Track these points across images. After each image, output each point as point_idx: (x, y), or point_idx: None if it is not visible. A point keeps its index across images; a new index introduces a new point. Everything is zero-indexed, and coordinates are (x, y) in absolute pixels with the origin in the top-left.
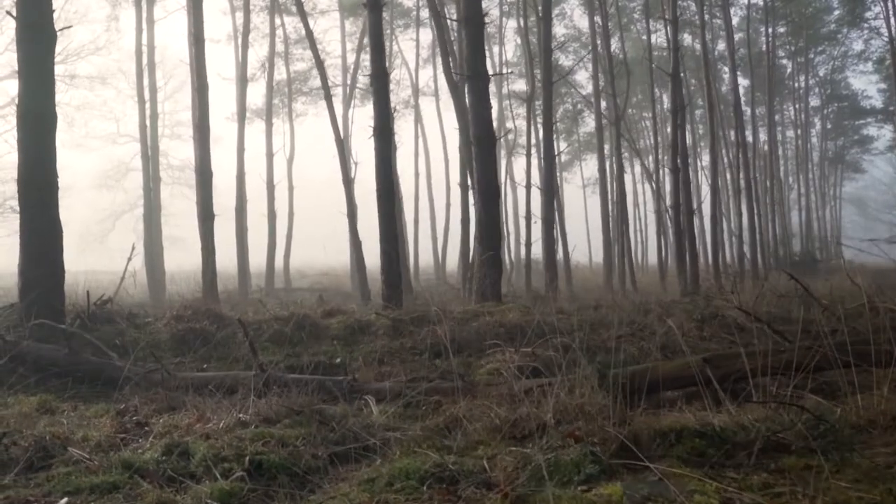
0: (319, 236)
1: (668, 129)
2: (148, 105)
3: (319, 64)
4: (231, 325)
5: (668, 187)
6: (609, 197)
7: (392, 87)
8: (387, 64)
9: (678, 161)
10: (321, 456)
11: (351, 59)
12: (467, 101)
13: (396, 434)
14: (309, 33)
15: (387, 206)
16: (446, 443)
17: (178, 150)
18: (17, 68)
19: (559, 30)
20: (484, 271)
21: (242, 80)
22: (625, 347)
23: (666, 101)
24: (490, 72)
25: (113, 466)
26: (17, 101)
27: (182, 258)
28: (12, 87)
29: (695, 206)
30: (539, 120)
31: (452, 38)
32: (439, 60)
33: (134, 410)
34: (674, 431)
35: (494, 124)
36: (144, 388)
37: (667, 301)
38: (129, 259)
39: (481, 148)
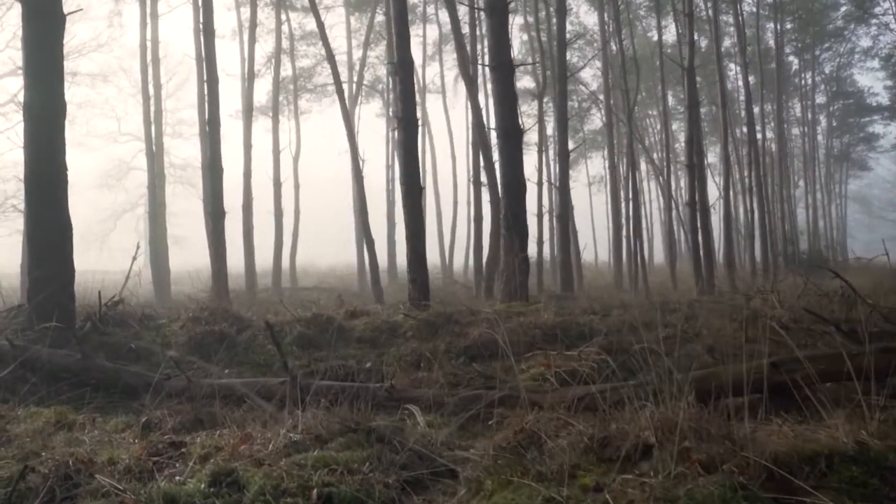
0: (323, 235)
1: (674, 127)
2: (152, 101)
3: (331, 57)
4: (251, 327)
5: (674, 185)
6: (620, 195)
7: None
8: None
9: (693, 157)
10: (392, 484)
11: (356, 55)
12: (491, 92)
13: (465, 453)
14: (320, 25)
15: (413, 202)
16: (537, 468)
17: (179, 149)
18: (18, 64)
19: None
20: (512, 270)
21: (249, 76)
22: (672, 350)
23: (671, 99)
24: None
25: (152, 501)
26: (22, 91)
27: (185, 257)
28: (12, 85)
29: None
30: (546, 116)
31: (464, 32)
32: (446, 57)
33: (158, 424)
34: (821, 456)
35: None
36: (166, 398)
37: (693, 300)
38: (134, 258)
39: (507, 141)
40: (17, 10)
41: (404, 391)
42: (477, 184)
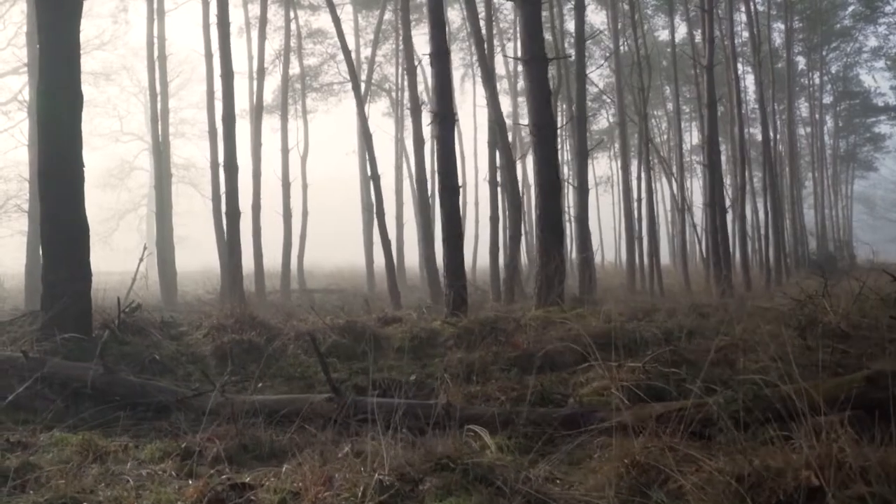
0: (328, 236)
1: (682, 125)
2: (159, 98)
3: (346, 53)
4: (280, 335)
5: (684, 184)
6: (631, 195)
7: (401, 84)
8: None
9: (712, 157)
10: None
11: (364, 53)
12: (523, 87)
13: (578, 493)
14: (336, 20)
15: (450, 201)
16: None
17: (181, 149)
18: (23, 61)
19: (571, 25)
20: (553, 274)
21: (259, 74)
22: (737, 361)
23: (679, 98)
24: (504, 69)
25: None
26: (26, 88)
27: (186, 257)
28: (14, 83)
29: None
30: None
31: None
32: (453, 56)
33: (200, 451)
34: None
35: (510, 121)
36: (200, 416)
37: (721, 304)
38: (142, 259)
39: (540, 137)
40: (20, 7)
41: (464, 409)
42: (493, 183)
